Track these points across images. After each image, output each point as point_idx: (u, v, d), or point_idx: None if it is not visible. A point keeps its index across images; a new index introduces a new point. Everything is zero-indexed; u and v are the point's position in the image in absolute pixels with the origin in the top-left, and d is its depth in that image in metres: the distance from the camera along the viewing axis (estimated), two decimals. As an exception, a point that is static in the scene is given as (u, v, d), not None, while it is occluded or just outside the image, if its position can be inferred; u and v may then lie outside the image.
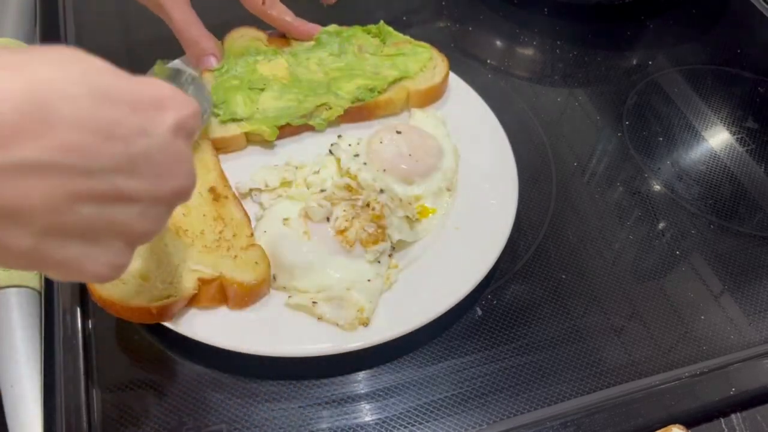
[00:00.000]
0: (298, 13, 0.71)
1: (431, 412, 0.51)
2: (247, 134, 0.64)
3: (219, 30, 0.70)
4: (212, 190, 0.58)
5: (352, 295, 0.52)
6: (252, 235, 0.55)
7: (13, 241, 0.29)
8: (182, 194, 0.35)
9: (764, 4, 0.94)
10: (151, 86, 0.33)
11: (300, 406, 0.51)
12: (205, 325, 0.51)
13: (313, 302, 0.52)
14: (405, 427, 0.50)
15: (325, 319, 0.52)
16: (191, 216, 0.55)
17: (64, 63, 0.29)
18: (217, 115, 0.63)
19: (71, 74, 0.29)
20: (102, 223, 0.31)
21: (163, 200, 0.34)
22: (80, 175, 0.29)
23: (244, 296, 0.52)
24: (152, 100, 0.33)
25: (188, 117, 0.34)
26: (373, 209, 0.56)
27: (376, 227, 0.56)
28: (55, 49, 0.30)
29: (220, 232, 0.55)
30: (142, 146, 0.31)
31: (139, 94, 0.32)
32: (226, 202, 0.57)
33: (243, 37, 0.71)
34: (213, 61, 0.67)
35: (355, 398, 0.52)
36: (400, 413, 0.51)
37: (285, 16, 0.70)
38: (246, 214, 0.57)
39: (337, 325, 0.52)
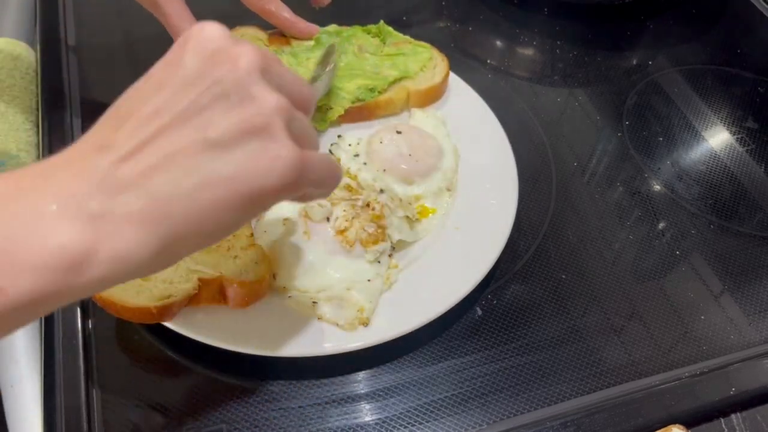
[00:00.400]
0: (299, 13, 0.71)
1: (431, 412, 0.51)
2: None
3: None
4: None
5: (352, 295, 0.52)
6: (252, 235, 0.55)
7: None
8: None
9: (764, 4, 0.94)
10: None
11: (300, 406, 0.51)
12: (205, 325, 0.51)
13: (313, 302, 0.52)
14: (405, 427, 0.50)
15: (325, 319, 0.52)
16: None
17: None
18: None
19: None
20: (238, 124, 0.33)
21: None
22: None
23: (245, 296, 0.52)
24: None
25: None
26: (373, 209, 0.56)
27: (376, 227, 0.56)
28: None
29: None
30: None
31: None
32: None
33: (243, 36, 0.71)
34: None
35: (355, 398, 0.52)
36: (400, 413, 0.51)
37: (283, 12, 0.70)
38: None
39: (337, 325, 0.52)
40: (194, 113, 0.33)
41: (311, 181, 0.37)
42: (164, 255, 0.32)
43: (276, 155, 0.34)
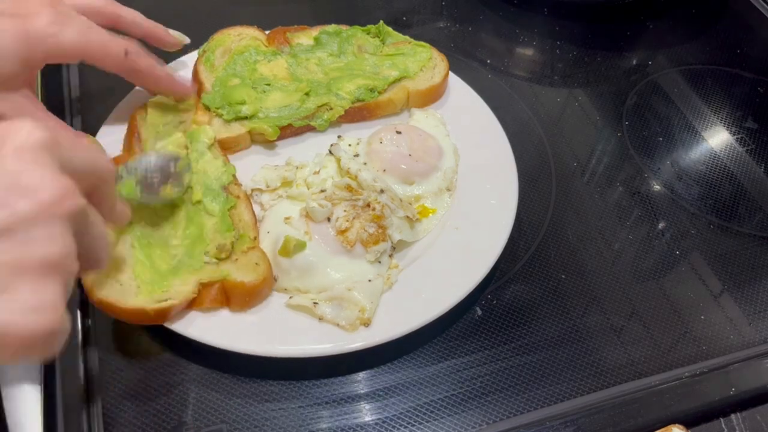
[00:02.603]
0: (298, 12, 0.71)
1: (431, 412, 0.51)
2: (249, 133, 0.64)
3: (213, 29, 0.70)
4: (226, 189, 0.58)
5: (353, 295, 0.52)
6: (256, 237, 0.55)
7: None
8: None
9: (764, 4, 0.94)
10: None
11: (300, 406, 0.51)
12: (205, 326, 0.51)
13: (314, 303, 0.52)
14: (405, 427, 0.50)
15: (326, 320, 0.52)
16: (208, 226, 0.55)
17: None
18: (221, 116, 0.63)
19: None
20: None
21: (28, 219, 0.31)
22: None
23: (246, 297, 0.51)
24: None
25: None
26: (374, 209, 0.56)
27: (377, 227, 0.56)
28: None
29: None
30: None
31: None
32: (237, 203, 0.57)
33: (242, 36, 0.71)
34: None
35: (355, 398, 0.52)
36: (400, 413, 0.51)
37: (154, 71, 0.58)
38: (254, 215, 0.57)
39: (338, 325, 0.52)
40: None
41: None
42: None
43: (34, 311, 0.31)
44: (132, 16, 0.59)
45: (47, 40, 0.48)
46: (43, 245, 0.31)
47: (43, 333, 0.31)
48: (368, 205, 0.57)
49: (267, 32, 0.73)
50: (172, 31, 0.62)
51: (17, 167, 0.30)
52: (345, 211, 0.56)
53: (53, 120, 0.52)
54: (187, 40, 0.63)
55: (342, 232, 0.55)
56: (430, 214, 0.61)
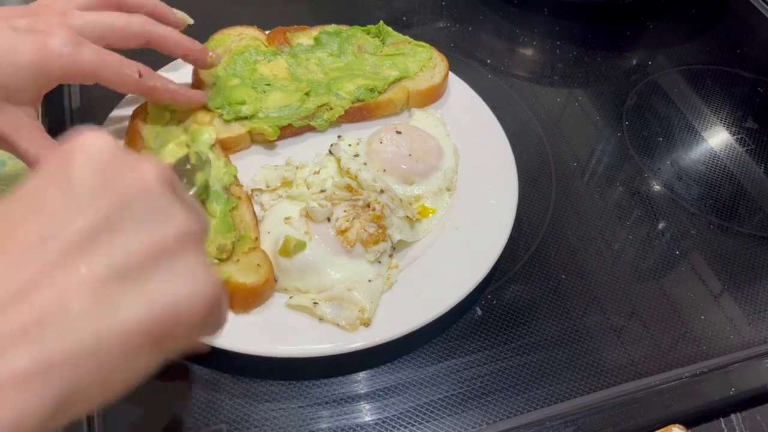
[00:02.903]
0: (298, 12, 0.71)
1: (431, 412, 0.51)
2: (250, 133, 0.64)
3: (213, 29, 0.70)
4: (227, 190, 0.58)
5: (353, 295, 0.52)
6: (256, 239, 0.55)
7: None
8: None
9: (764, 4, 0.94)
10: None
11: (300, 406, 0.51)
12: (205, 325, 0.51)
13: (314, 303, 0.52)
14: (405, 427, 0.50)
15: (326, 320, 0.52)
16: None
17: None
18: (221, 116, 0.63)
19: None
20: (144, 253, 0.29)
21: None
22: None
23: (248, 299, 0.51)
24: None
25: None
26: (374, 209, 0.56)
27: (377, 227, 0.56)
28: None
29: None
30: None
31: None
32: (239, 204, 0.57)
33: (242, 36, 0.71)
34: None
35: (355, 398, 0.52)
36: (400, 413, 0.51)
37: (168, 87, 0.59)
38: (255, 216, 0.57)
39: (338, 325, 0.52)
40: (91, 238, 0.27)
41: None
42: (61, 415, 0.27)
43: (196, 280, 0.30)
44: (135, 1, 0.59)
45: (63, 60, 0.49)
46: (169, 219, 0.30)
47: (214, 302, 0.31)
48: (368, 205, 0.57)
49: (267, 32, 0.73)
50: (176, 11, 0.63)
51: (158, 194, 0.30)
52: (345, 211, 0.56)
53: (50, 142, 0.52)
54: (190, 20, 0.64)
55: (342, 232, 0.55)
56: (430, 214, 0.61)
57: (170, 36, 0.58)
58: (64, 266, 0.27)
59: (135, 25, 0.55)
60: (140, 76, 0.55)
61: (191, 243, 0.31)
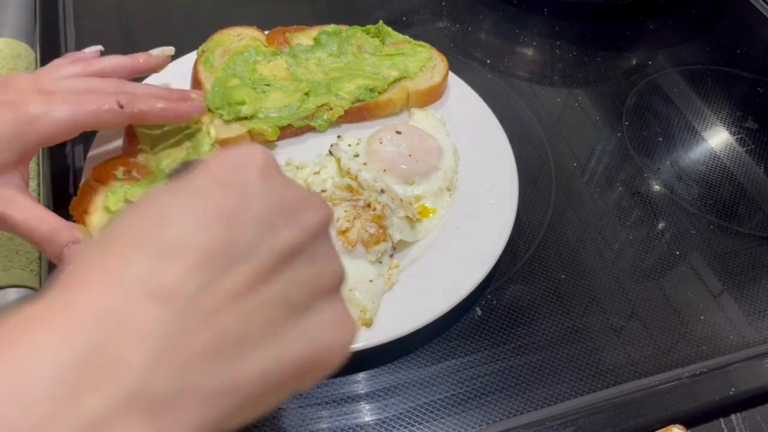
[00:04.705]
0: (298, 13, 0.71)
1: (431, 412, 0.51)
2: (249, 133, 0.64)
3: (212, 29, 0.70)
4: None
5: (355, 295, 0.52)
6: None
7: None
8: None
9: (764, 4, 0.94)
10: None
11: (300, 406, 0.51)
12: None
13: (314, 302, 0.52)
14: (405, 427, 0.50)
15: (325, 320, 0.52)
16: None
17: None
18: (221, 116, 0.63)
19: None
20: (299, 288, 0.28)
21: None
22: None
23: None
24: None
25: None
26: (374, 209, 0.56)
27: (378, 227, 0.56)
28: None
29: None
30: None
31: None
32: None
33: (241, 37, 0.71)
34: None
35: (355, 398, 0.52)
36: (400, 413, 0.51)
37: (156, 104, 0.55)
38: None
39: (338, 325, 0.52)
40: (283, 262, 0.27)
41: None
42: None
43: (344, 324, 0.29)
44: (111, 65, 0.57)
45: (39, 121, 0.48)
46: (330, 260, 0.30)
47: (349, 346, 0.30)
48: (369, 206, 0.57)
49: (266, 32, 0.73)
50: (153, 52, 0.60)
51: (325, 233, 0.30)
52: (345, 211, 0.56)
53: (42, 211, 0.48)
54: (171, 50, 0.62)
55: (343, 232, 0.55)
56: (431, 214, 0.61)
57: (152, 109, 0.54)
58: (257, 285, 0.26)
59: (109, 88, 0.52)
60: (121, 107, 0.51)
61: (339, 289, 0.31)
